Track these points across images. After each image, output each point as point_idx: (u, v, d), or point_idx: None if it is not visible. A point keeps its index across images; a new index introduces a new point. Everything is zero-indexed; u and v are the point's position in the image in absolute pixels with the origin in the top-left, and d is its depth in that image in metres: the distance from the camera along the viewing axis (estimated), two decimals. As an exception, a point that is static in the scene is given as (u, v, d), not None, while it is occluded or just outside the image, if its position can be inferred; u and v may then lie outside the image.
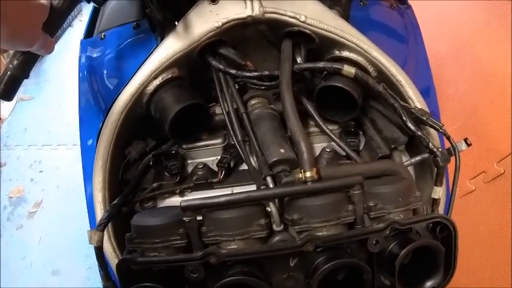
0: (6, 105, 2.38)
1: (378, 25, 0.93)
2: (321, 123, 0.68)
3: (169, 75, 0.67)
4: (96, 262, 0.55)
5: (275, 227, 0.55)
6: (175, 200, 0.66)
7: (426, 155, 0.62)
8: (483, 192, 1.40)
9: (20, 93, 2.40)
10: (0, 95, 0.57)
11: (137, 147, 0.68)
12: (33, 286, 1.70)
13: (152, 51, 0.67)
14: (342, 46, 0.68)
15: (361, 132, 0.72)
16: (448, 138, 0.61)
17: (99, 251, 0.55)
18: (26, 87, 2.47)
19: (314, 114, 0.68)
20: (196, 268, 0.49)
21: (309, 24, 0.66)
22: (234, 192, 0.64)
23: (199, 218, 0.52)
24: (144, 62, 0.66)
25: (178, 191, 0.66)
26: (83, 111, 0.95)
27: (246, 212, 0.52)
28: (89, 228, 0.64)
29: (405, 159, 0.66)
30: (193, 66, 0.70)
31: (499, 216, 1.31)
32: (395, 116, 0.65)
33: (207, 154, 0.71)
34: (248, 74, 0.68)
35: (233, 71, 0.68)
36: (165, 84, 0.67)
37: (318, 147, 0.71)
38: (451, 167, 0.62)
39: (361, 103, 0.66)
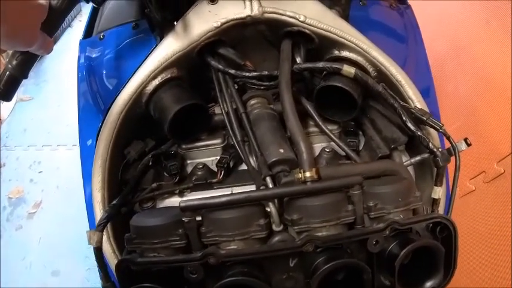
0: (6, 106, 2.37)
1: (378, 25, 0.93)
2: (320, 123, 0.68)
3: (169, 75, 0.67)
4: (95, 263, 0.55)
5: (275, 227, 0.55)
6: (174, 200, 0.66)
7: (426, 155, 0.62)
8: (483, 192, 1.40)
9: (20, 93, 2.40)
10: None
11: (136, 147, 0.68)
12: (33, 286, 1.70)
13: (151, 51, 0.67)
14: (342, 46, 0.68)
15: (360, 132, 0.72)
16: (448, 138, 0.60)
17: (99, 252, 0.55)
18: (26, 88, 2.47)
19: (313, 114, 0.68)
20: (196, 269, 0.48)
21: (308, 24, 0.66)
22: (233, 192, 0.64)
23: (199, 218, 0.52)
24: (143, 62, 0.66)
25: (178, 191, 0.66)
26: (82, 112, 0.95)
27: (246, 212, 0.52)
28: (88, 229, 0.64)
29: (405, 159, 0.66)
30: (192, 66, 0.70)
31: (499, 216, 1.31)
32: (395, 116, 0.65)
33: (207, 154, 0.71)
34: (247, 74, 0.68)
35: (232, 71, 0.68)
36: (165, 84, 0.67)
37: (318, 147, 0.70)
38: (451, 167, 0.62)
39: (360, 103, 0.65)
